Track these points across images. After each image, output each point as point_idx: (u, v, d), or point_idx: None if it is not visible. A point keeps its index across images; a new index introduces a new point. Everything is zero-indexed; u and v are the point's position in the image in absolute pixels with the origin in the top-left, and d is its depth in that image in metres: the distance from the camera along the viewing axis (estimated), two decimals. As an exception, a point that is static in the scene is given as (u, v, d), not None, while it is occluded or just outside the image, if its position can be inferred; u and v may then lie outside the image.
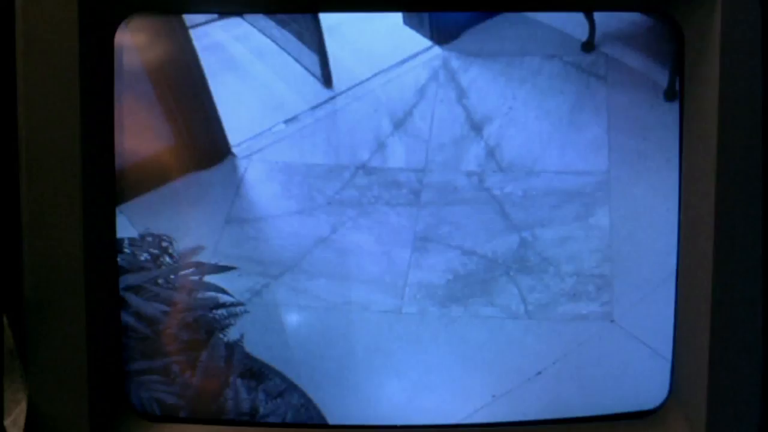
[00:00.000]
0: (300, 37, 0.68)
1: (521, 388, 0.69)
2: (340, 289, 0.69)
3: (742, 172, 0.62)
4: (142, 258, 0.69)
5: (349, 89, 0.68)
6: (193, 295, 0.69)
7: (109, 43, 0.65)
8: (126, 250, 0.68)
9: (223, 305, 0.69)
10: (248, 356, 0.69)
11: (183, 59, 0.68)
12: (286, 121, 0.69)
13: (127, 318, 0.68)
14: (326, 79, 0.68)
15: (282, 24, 0.68)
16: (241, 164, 0.69)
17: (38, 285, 0.63)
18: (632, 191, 0.68)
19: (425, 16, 0.68)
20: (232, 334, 0.69)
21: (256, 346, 0.69)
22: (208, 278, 0.69)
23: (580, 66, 0.68)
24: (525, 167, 0.68)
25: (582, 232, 0.68)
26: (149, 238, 0.68)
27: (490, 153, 0.68)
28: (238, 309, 0.69)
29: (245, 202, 0.69)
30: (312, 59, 0.68)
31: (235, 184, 0.69)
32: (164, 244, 0.69)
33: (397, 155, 0.69)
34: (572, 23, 0.67)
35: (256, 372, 0.69)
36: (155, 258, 0.69)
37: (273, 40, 0.69)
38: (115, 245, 0.67)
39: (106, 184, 0.66)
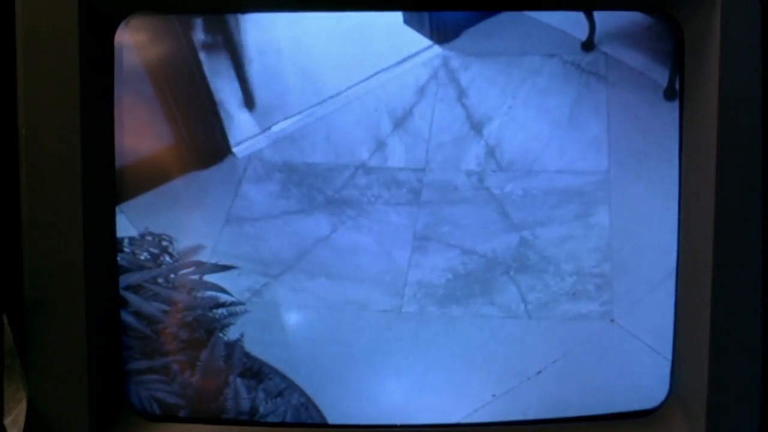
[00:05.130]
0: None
1: (521, 387, 0.69)
2: (339, 288, 0.69)
3: (742, 171, 0.62)
4: (142, 257, 0.69)
5: (348, 88, 0.68)
6: (193, 294, 0.69)
7: (109, 43, 0.65)
8: (126, 250, 0.68)
9: (223, 304, 0.69)
10: (248, 355, 0.69)
11: (183, 59, 0.68)
12: (286, 120, 0.69)
13: (127, 317, 0.68)
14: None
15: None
16: (241, 163, 0.69)
17: (38, 285, 0.63)
18: (632, 191, 0.68)
19: (425, 15, 0.68)
20: (232, 334, 0.69)
21: (256, 346, 0.69)
22: (208, 277, 0.69)
23: (579, 65, 0.68)
24: (525, 166, 0.68)
25: (582, 231, 0.68)
26: (149, 238, 0.68)
27: (490, 152, 0.68)
28: (238, 308, 0.69)
29: (245, 202, 0.69)
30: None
31: (235, 184, 0.69)
32: (164, 243, 0.69)
33: (397, 154, 0.69)
34: (572, 22, 0.67)
35: (256, 371, 0.69)
36: (155, 257, 0.69)
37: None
38: (115, 244, 0.67)
39: (106, 184, 0.66)
